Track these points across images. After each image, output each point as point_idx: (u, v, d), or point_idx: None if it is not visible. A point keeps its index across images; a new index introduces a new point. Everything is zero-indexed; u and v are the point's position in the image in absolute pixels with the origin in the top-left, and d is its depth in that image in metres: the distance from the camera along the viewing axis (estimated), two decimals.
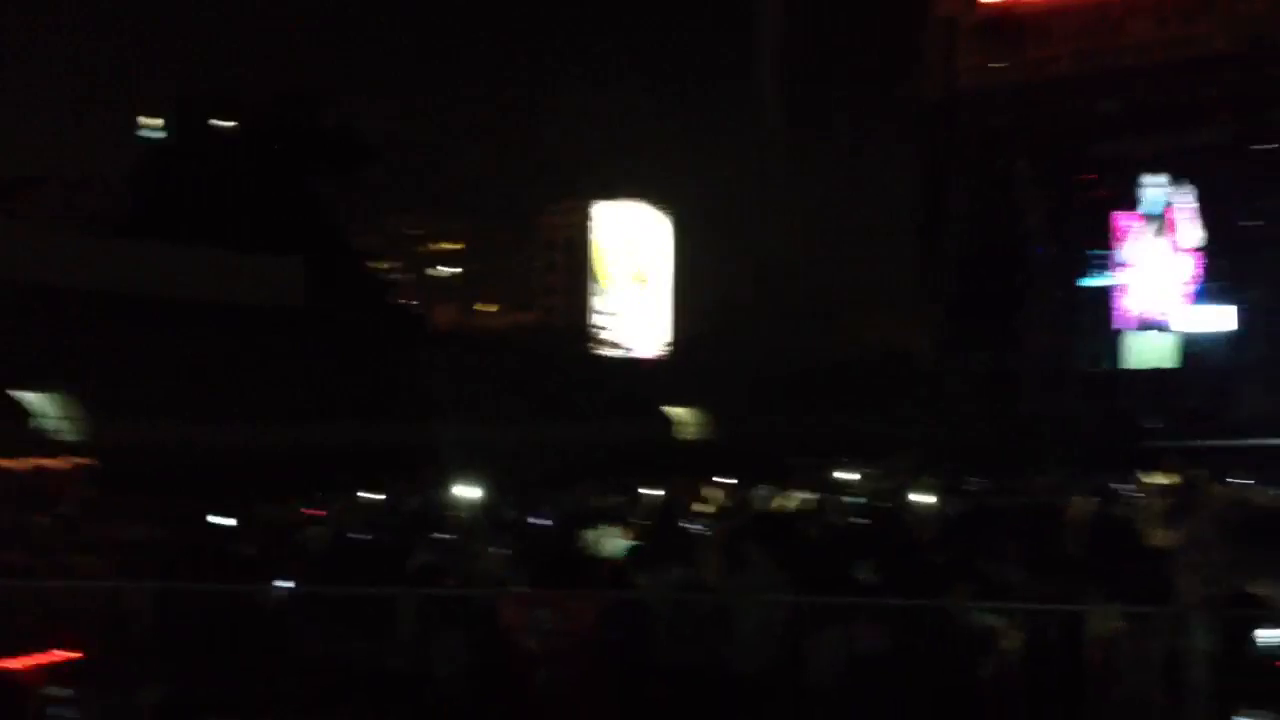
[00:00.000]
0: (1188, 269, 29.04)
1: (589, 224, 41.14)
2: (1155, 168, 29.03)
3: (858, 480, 16.23)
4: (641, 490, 13.11)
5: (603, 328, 39.37)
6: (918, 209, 32.46)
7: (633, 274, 42.08)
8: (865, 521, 11.37)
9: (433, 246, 64.98)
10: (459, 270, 64.84)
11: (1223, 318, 28.59)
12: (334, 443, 19.26)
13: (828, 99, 34.79)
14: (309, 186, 31.03)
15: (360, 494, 11.92)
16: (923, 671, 5.98)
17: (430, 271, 63.72)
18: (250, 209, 26.67)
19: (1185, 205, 28.91)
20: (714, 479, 14.76)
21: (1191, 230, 28.58)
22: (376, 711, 5.95)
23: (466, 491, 11.76)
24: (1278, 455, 22.24)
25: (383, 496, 12.04)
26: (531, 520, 10.44)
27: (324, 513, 10.46)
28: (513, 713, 6.21)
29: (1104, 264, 30.10)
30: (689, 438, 32.96)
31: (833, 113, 34.40)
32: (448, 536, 8.96)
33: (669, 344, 39.95)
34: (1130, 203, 29.48)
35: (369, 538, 9.30)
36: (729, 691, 6.21)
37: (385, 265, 44.34)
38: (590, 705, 6.32)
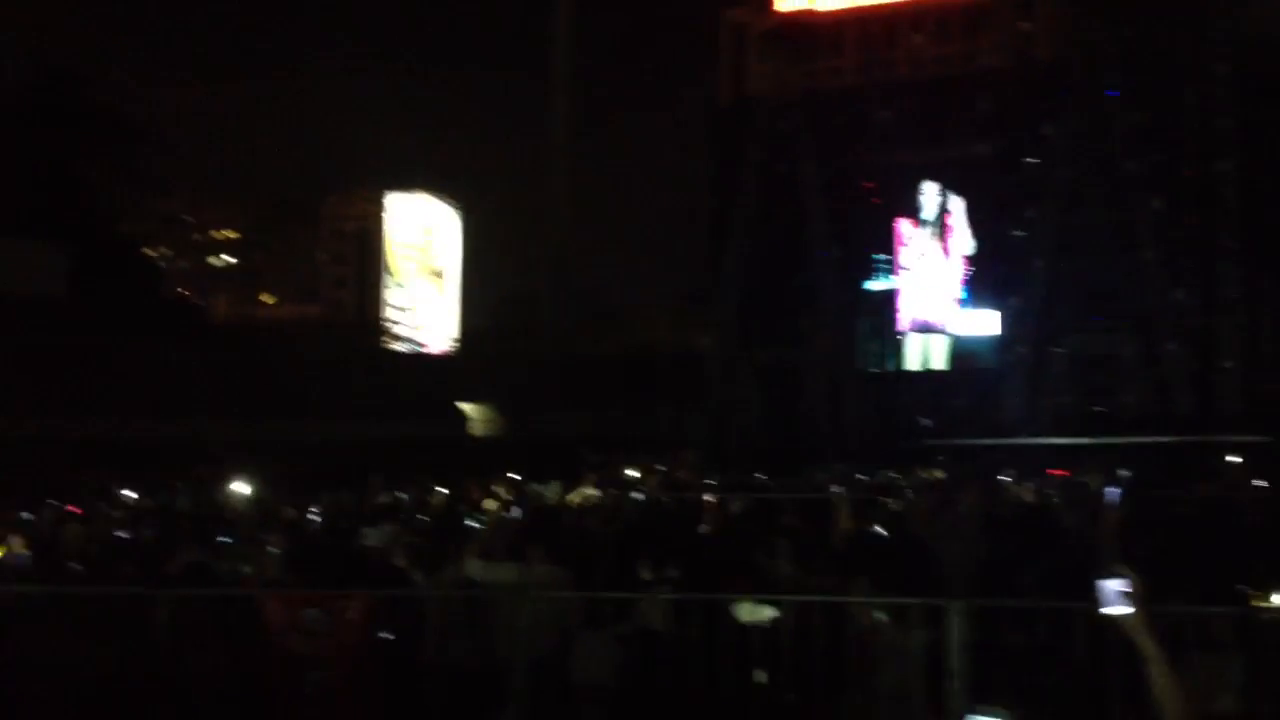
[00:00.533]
0: (960, 275, 30.35)
1: (381, 215, 40.31)
2: (933, 177, 30.23)
3: (644, 476, 16.37)
4: (428, 488, 12.91)
5: (394, 322, 38.69)
6: (709, 209, 32.96)
7: (425, 267, 41.49)
8: (650, 517, 11.48)
9: (210, 234, 62.36)
10: (237, 260, 62.41)
11: (989, 322, 29.96)
12: (99, 438, 18.41)
13: (622, 99, 34.93)
14: (73, 169, 29.44)
15: (124, 491, 11.42)
16: (698, 664, 6.03)
17: (207, 260, 61.18)
18: (7, 192, 25.12)
19: (959, 214, 30.20)
20: (504, 476, 14.65)
21: (964, 238, 29.88)
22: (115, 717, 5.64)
23: (241, 489, 11.37)
24: (1038, 454, 23.43)
25: (147, 494, 11.57)
26: (308, 519, 10.16)
27: (82, 510, 9.97)
28: (278, 716, 6.00)
29: (885, 268, 31.15)
30: (480, 434, 32.73)
31: (627, 113, 34.56)
32: (221, 537, 8.63)
33: (459, 339, 39.57)
34: (910, 210, 30.61)
35: (129, 536, 8.90)
36: (503, 688, 6.14)
37: (157, 253, 42.58)
38: (360, 706, 6.16)
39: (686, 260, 32.24)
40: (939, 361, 31.09)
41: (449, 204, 41.16)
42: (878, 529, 10.96)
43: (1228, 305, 26.37)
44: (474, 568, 7.29)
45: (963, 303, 30.67)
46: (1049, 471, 16.92)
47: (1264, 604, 6.54)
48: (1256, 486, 14.61)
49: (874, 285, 31.67)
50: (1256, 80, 26.89)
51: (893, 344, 31.70)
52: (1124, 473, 16.10)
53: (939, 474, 16.17)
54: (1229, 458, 16.93)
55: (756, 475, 17.34)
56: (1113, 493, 9.77)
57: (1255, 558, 7.99)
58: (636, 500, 12.42)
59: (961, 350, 30.77)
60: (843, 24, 32.57)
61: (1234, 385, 26.14)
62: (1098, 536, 7.76)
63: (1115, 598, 3.48)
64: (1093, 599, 4.01)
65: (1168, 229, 27.53)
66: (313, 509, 10.50)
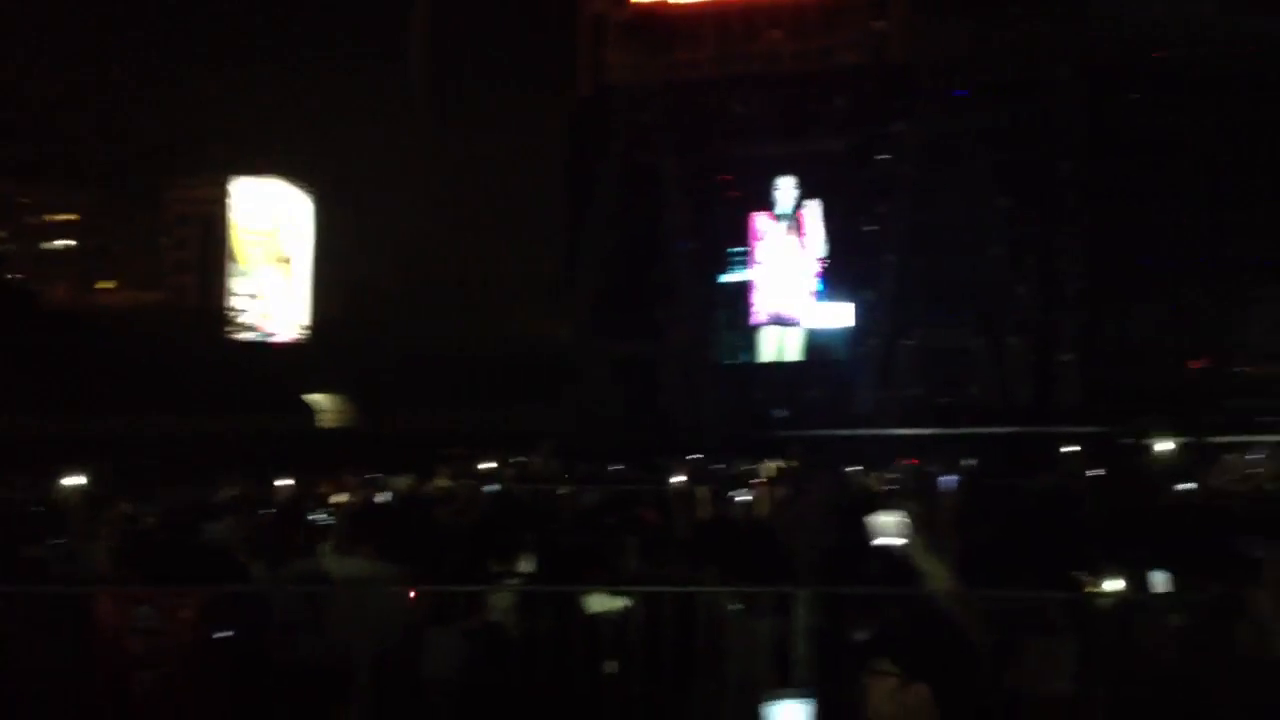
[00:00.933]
0: (814, 268, 30.79)
1: (227, 200, 39.07)
2: (789, 171, 30.59)
3: (499, 469, 16.25)
4: (274, 481, 12.61)
5: (240, 310, 37.60)
6: (567, 201, 32.82)
7: (273, 254, 40.40)
8: (503, 509, 11.38)
9: (45, 218, 59.62)
10: (74, 244, 59.72)
11: (843, 315, 30.46)
12: None
13: (480, 87, 34.53)
14: None
15: None
16: (547, 657, 5.98)
17: (42, 245, 58.48)
18: None
19: (814, 208, 30.62)
20: (355, 469, 14.39)
21: (817, 232, 30.33)
22: None
23: (75, 484, 10.94)
24: (888, 444, 23.94)
25: None
26: (144, 514, 9.82)
27: None
28: (107, 717, 5.76)
29: (742, 261, 31.43)
30: (330, 426, 32.09)
31: (484, 100, 34.16)
32: (53, 534, 8.29)
33: (308, 328, 38.67)
34: (766, 203, 30.93)
35: None
36: (349, 685, 5.99)
37: None
38: (197, 705, 5.95)
39: (545, 252, 32.04)
40: (793, 354, 31.53)
41: (299, 189, 40.14)
42: (730, 519, 11.05)
43: (1069, 301, 27.28)
44: (329, 562, 7.13)
45: (817, 296, 31.15)
46: (899, 461, 17.25)
47: (1097, 589, 6.75)
48: (1093, 476, 15.14)
49: (730, 278, 31.95)
50: (1098, 84, 27.91)
51: (748, 336, 32.04)
52: (967, 462, 16.56)
53: (790, 464, 16.37)
54: (1066, 448, 17.49)
55: (613, 467, 17.36)
56: (947, 481, 9.99)
57: (1090, 544, 8.26)
58: (490, 493, 12.32)
59: (815, 343, 31.26)
60: (701, 17, 32.74)
61: (1074, 378, 27.06)
62: (935, 524, 7.89)
63: (889, 529, 3.78)
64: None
65: (1013, 227, 28.36)
66: (150, 504, 10.14)
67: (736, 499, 11.38)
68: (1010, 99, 28.16)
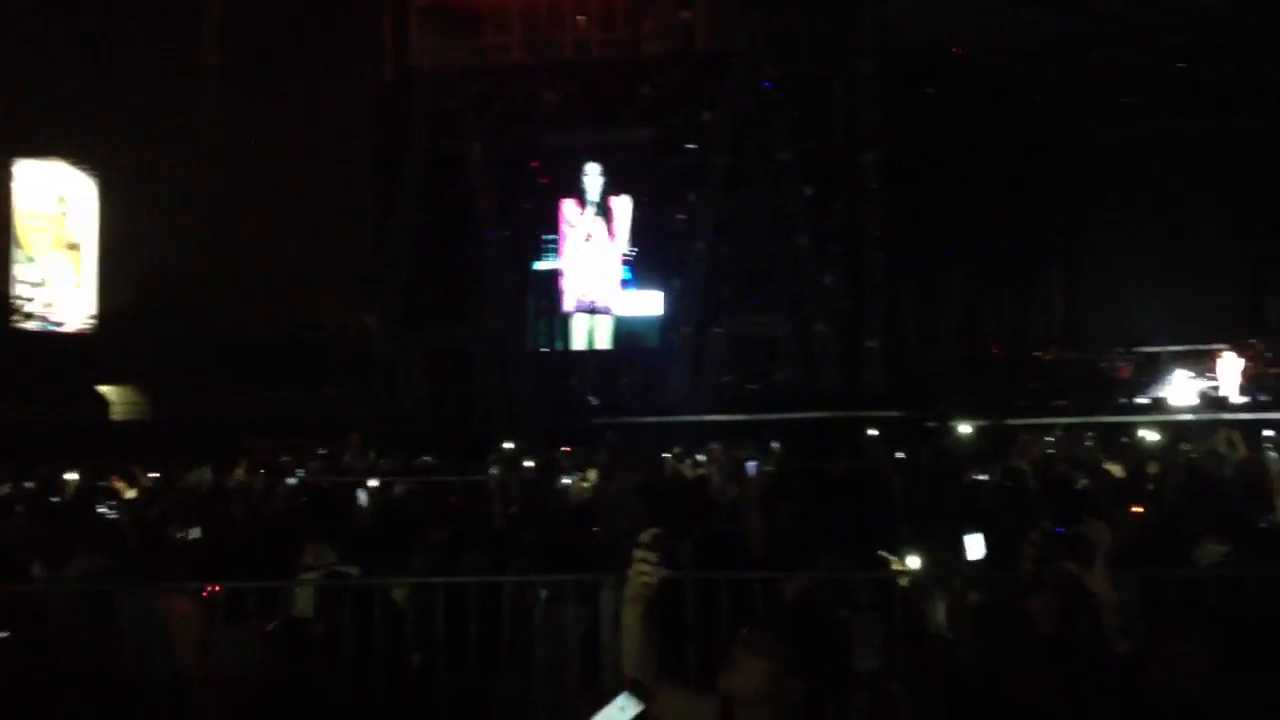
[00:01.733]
0: (623, 256, 30.86)
1: (10, 184, 36.90)
2: (598, 159, 30.55)
3: (304, 459, 15.84)
4: (59, 475, 12.10)
5: (25, 299, 35.59)
6: (373, 186, 32.09)
7: (59, 240, 38.32)
8: (308, 501, 11.06)
9: None
10: None
11: (653, 303, 30.63)
12: None
13: (280, 68, 33.41)
14: None
15: None
16: (350, 650, 5.83)
17: None
18: None
19: (623, 196, 30.68)
20: (151, 461, 13.91)
21: (626, 220, 30.41)
22: None
23: None
24: (701, 430, 24.17)
25: None
26: None
27: None
28: None
29: (553, 248, 31.27)
30: (123, 418, 30.73)
31: (285, 82, 33.06)
32: None
33: (98, 318, 36.89)
34: (575, 191, 30.84)
35: None
36: (139, 686, 5.72)
37: None
38: None
39: (352, 237, 31.16)
40: (604, 341, 31.57)
41: (86, 173, 38.18)
42: (543, 506, 10.97)
43: (873, 288, 28.01)
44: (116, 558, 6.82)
45: (627, 284, 31.23)
46: (712, 446, 17.42)
47: (900, 567, 6.90)
48: (897, 459, 15.58)
49: (542, 265, 31.77)
50: (898, 77, 28.73)
51: (561, 324, 31.92)
52: (775, 446, 16.85)
53: (603, 451, 16.42)
54: (870, 431, 17.98)
55: (424, 458, 17.13)
56: (750, 465, 10.17)
57: (894, 524, 8.47)
58: (292, 485, 11.97)
59: (626, 330, 31.35)
60: (507, 3, 32.39)
61: (878, 364, 27.79)
62: (742, 507, 7.99)
63: None
64: (738, 567, 3.97)
65: (819, 215, 28.96)
66: None
67: (551, 486, 11.33)
68: (813, 90, 28.75)
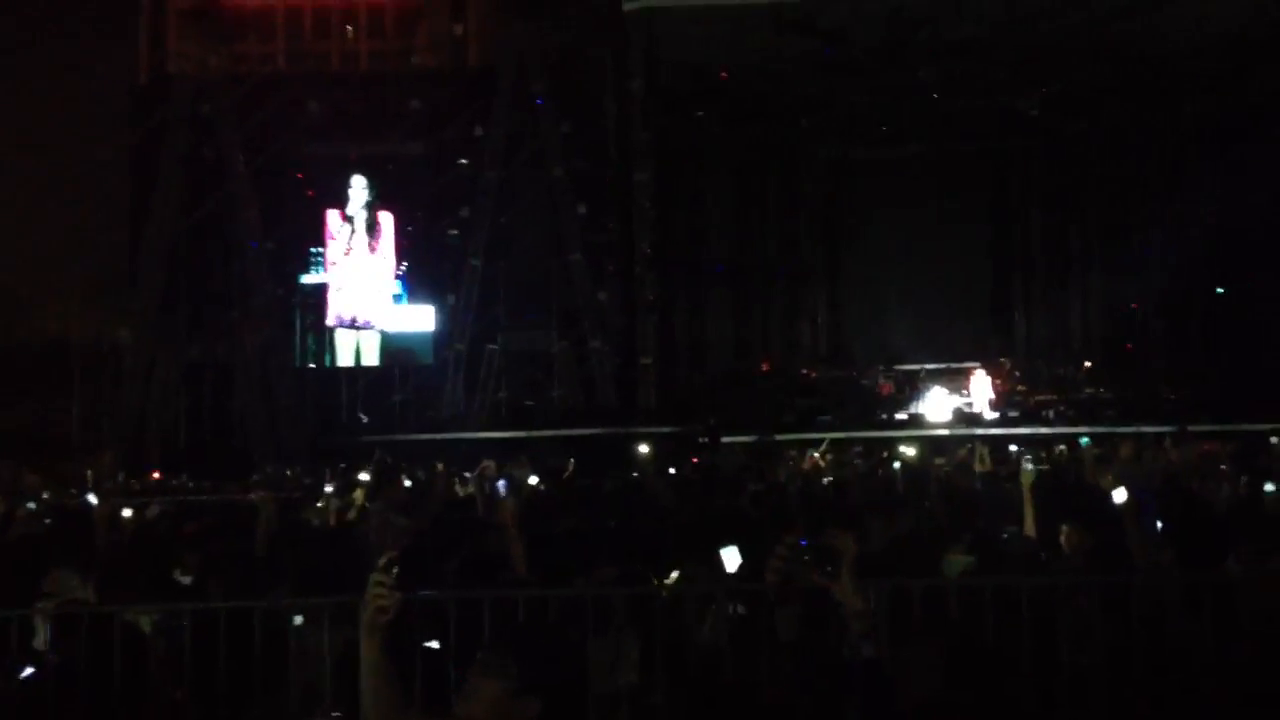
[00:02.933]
0: (392, 271, 30.38)
1: None
2: (366, 171, 29.98)
3: (44, 481, 15.05)
4: None
5: None
6: (128, 193, 30.64)
7: None
8: (51, 525, 10.49)
9: None
10: None
11: (425, 319, 30.27)
12: None
13: (32, 67, 31.61)
14: None
15: None
16: (89, 682, 5.53)
17: None
18: None
19: (391, 210, 30.20)
20: None
21: (391, 234, 29.96)
22: None
23: None
24: (475, 448, 23.97)
25: None
26: None
27: None
28: None
29: (319, 262, 30.51)
30: None
31: (36, 83, 31.29)
32: None
33: None
34: (340, 203, 30.18)
35: None
36: None
37: None
38: None
39: (103, 247, 29.71)
40: (371, 358, 30.96)
41: None
42: (306, 527, 10.65)
43: (646, 305, 28.34)
44: None
45: (398, 298, 30.73)
46: (485, 464, 17.28)
47: (664, 581, 6.94)
48: (668, 474, 15.79)
49: (308, 279, 30.92)
50: (667, 98, 29.25)
51: (329, 340, 31.12)
52: (553, 463, 16.86)
53: (369, 472, 16.09)
54: (641, 447, 18.21)
55: (180, 479, 16.55)
56: (501, 484, 10.13)
57: (664, 539, 8.54)
58: (31, 508, 11.30)
59: (397, 346, 30.81)
60: (271, 10, 31.51)
61: (650, 381, 28.13)
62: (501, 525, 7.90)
63: None
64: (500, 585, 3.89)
65: (592, 233, 29.17)
66: None
67: (304, 511, 10.99)
68: (585, 108, 29.00)
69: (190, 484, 15.52)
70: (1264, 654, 5.28)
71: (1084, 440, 11.43)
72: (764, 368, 34.44)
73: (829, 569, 4.26)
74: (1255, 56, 27.11)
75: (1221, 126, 29.72)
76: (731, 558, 6.10)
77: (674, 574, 7.02)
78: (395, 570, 3.81)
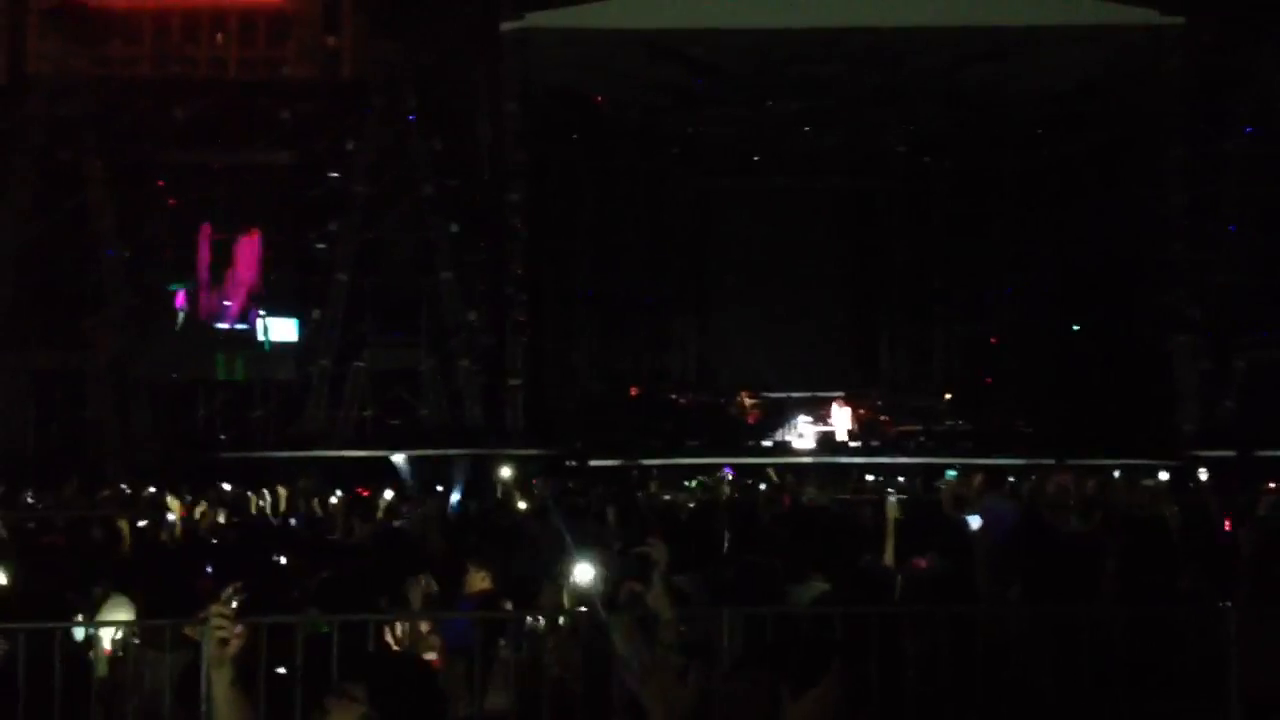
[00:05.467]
0: (258, 284, 29.75)
1: None
2: (233, 181, 29.34)
3: None
4: None
5: None
6: None
7: None
8: None
9: None
10: None
11: (289, 332, 29.72)
12: None
13: None
14: None
15: None
16: None
17: None
18: None
19: (258, 222, 29.60)
20: None
21: (256, 247, 29.35)
22: None
23: None
24: (340, 466, 23.65)
25: None
26: None
27: None
28: None
29: (181, 272, 29.75)
30: None
31: None
32: None
33: None
34: (208, 212, 29.48)
35: None
36: None
37: None
38: None
39: None
40: (236, 372, 30.23)
41: None
42: (156, 546, 10.43)
43: (516, 326, 28.27)
44: None
45: (262, 313, 30.06)
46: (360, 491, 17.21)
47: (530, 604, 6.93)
48: (531, 494, 15.75)
49: (171, 288, 30.07)
50: (541, 120, 29.29)
51: (189, 352, 30.23)
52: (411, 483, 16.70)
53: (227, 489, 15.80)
54: (504, 469, 18.13)
55: (26, 494, 16.02)
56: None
57: (537, 562, 8.53)
58: None
59: (259, 361, 30.11)
60: (138, 14, 30.65)
61: (519, 401, 28.05)
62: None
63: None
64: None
65: (463, 251, 29.00)
66: None
67: (153, 526, 10.72)
68: (458, 127, 28.88)
69: (32, 500, 14.94)
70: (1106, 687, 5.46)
71: (950, 473, 11.72)
72: (632, 393, 34.59)
73: (644, 577, 4.30)
74: (1100, 103, 28.34)
75: (1071, 169, 30.94)
76: (584, 573, 6.14)
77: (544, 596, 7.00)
78: (236, 603, 3.75)
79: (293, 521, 13.38)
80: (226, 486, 17.20)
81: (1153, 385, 27.23)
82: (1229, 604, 5.90)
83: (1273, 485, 19.30)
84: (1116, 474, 18.95)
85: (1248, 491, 17.07)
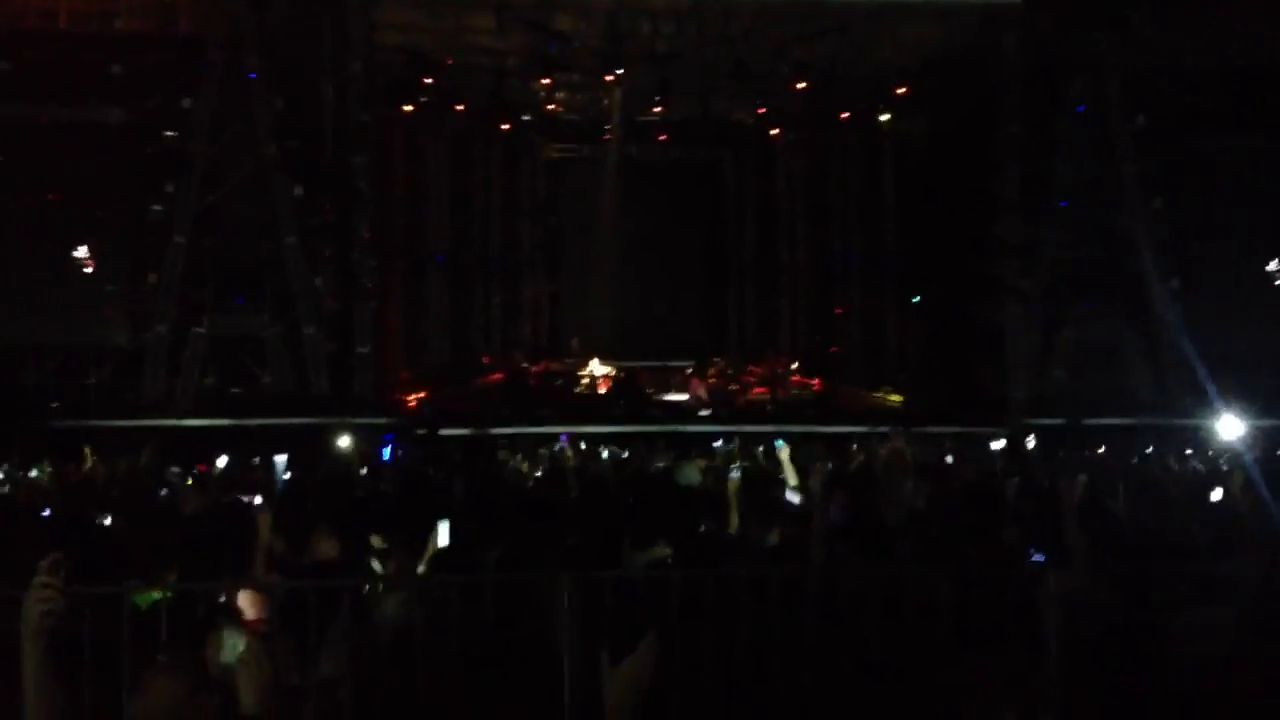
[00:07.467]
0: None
1: None
2: (62, 139, 28.06)
3: None
4: None
5: None
6: None
7: None
8: None
9: None
10: None
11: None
12: None
13: None
14: None
15: None
16: None
17: None
18: None
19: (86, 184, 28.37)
20: None
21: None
22: None
23: None
24: (179, 435, 23.08)
25: None
26: None
27: None
28: None
29: None
30: None
31: None
32: None
33: None
34: (37, 170, 28.16)
35: None
36: None
37: None
38: None
39: None
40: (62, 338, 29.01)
41: None
42: None
43: (362, 292, 27.83)
44: None
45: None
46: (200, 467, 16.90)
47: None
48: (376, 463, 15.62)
49: None
50: (387, 82, 28.77)
51: (15, 315, 28.92)
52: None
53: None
54: (343, 438, 17.88)
55: None
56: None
57: (367, 529, 8.44)
58: None
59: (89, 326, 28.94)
60: None
61: (367, 369, 27.66)
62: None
63: None
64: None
65: (308, 215, 28.36)
66: None
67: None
68: (301, 87, 28.18)
69: None
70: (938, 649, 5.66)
71: (778, 442, 12.02)
72: (484, 360, 34.45)
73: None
74: (940, 80, 29.13)
75: (912, 143, 31.75)
76: (443, 533, 6.19)
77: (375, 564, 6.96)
78: (62, 571, 3.64)
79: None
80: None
81: (987, 355, 28.20)
82: (1042, 557, 6.17)
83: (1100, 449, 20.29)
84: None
85: (1072, 457, 17.89)
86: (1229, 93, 27.05)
